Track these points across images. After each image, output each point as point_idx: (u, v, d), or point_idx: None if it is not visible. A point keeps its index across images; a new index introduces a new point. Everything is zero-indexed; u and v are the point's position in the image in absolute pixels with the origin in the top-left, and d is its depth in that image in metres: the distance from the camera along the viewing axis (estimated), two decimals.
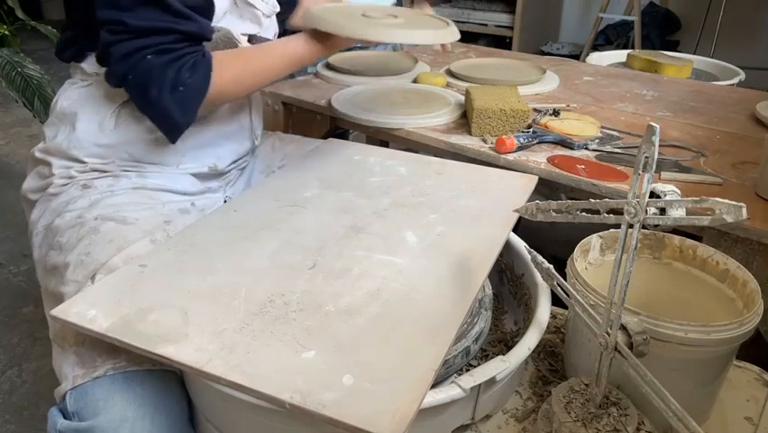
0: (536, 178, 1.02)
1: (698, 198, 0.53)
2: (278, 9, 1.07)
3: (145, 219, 0.88)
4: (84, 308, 0.65)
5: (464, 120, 1.35)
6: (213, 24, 0.91)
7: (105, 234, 0.84)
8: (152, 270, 0.73)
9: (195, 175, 1.03)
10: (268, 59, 0.93)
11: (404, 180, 0.98)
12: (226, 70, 0.88)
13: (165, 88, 0.81)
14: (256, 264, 0.74)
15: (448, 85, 1.60)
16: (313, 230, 0.82)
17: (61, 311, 0.65)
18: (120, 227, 0.85)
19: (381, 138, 1.38)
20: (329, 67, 1.71)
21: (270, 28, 1.09)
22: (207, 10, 0.88)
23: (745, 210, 0.49)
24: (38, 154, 0.96)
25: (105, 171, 0.94)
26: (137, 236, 0.84)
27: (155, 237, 0.85)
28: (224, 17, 0.95)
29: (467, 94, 1.36)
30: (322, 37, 0.94)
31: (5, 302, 1.72)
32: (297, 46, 0.94)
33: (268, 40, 1.06)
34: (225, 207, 0.90)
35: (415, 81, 1.63)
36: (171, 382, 0.75)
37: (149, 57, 0.80)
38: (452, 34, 1.00)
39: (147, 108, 0.86)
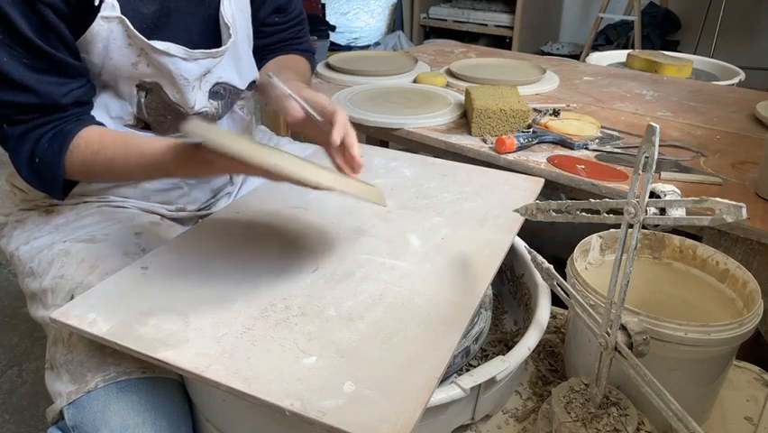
0: (542, 180, 1.01)
1: (698, 198, 0.53)
2: (226, 45, 0.88)
3: (115, 234, 0.87)
4: (84, 311, 0.65)
5: (464, 120, 1.35)
6: (142, 79, 0.82)
7: (77, 254, 0.83)
8: (154, 272, 0.73)
9: (162, 214, 0.97)
10: (130, 161, 0.76)
11: (408, 182, 0.98)
12: (78, 155, 0.76)
13: (22, 159, 0.76)
14: (258, 267, 0.74)
15: (448, 85, 1.60)
16: (316, 233, 0.82)
17: (61, 314, 0.65)
18: (91, 246, 0.84)
19: (381, 138, 1.38)
20: (329, 67, 1.71)
21: (227, 64, 0.90)
22: (64, 70, 0.76)
23: (744, 210, 0.49)
24: (6, 180, 0.95)
25: (68, 198, 0.90)
26: (109, 252, 0.83)
27: (128, 251, 0.84)
28: (137, 69, 0.81)
29: (467, 94, 1.36)
30: (202, 159, 0.69)
31: (5, 302, 1.72)
32: (166, 162, 0.74)
33: (232, 87, 0.92)
34: (228, 209, 0.90)
35: (415, 81, 1.63)
36: (170, 386, 0.75)
37: (5, 127, 0.75)
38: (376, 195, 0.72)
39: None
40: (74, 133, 0.77)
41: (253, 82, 1.00)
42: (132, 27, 0.77)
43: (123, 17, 0.76)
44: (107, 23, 0.76)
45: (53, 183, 0.79)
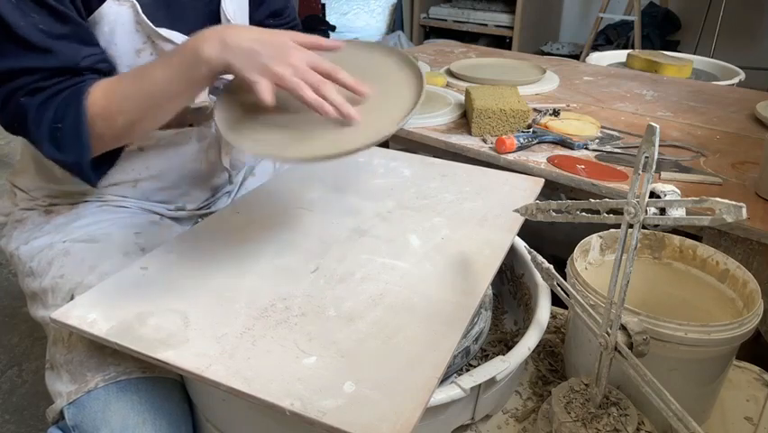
0: (542, 180, 1.01)
1: (698, 198, 0.53)
2: None
3: (115, 234, 0.87)
4: (84, 312, 0.65)
5: (464, 120, 1.35)
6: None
7: (76, 254, 0.83)
8: (154, 272, 0.73)
9: (162, 214, 0.96)
10: (148, 69, 0.73)
11: (408, 182, 0.98)
12: (97, 90, 0.73)
13: (43, 130, 0.72)
14: (258, 267, 0.74)
15: (448, 85, 1.60)
16: (316, 233, 0.82)
17: (61, 314, 0.65)
18: (90, 246, 0.84)
19: None
20: None
21: None
22: (80, 35, 0.74)
23: (744, 210, 0.49)
24: (6, 180, 0.94)
25: (68, 198, 0.91)
26: (109, 253, 0.83)
27: (127, 251, 0.84)
28: (140, 57, 0.80)
29: (467, 94, 1.36)
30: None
31: (5, 302, 1.72)
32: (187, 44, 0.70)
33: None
34: (228, 209, 0.90)
35: None
36: (170, 386, 0.75)
37: (22, 99, 0.71)
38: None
39: (41, 152, 0.75)
40: (88, 85, 0.73)
41: None
42: (141, 13, 0.76)
43: (135, 1, 0.75)
44: (117, 6, 0.75)
45: (78, 148, 0.73)
